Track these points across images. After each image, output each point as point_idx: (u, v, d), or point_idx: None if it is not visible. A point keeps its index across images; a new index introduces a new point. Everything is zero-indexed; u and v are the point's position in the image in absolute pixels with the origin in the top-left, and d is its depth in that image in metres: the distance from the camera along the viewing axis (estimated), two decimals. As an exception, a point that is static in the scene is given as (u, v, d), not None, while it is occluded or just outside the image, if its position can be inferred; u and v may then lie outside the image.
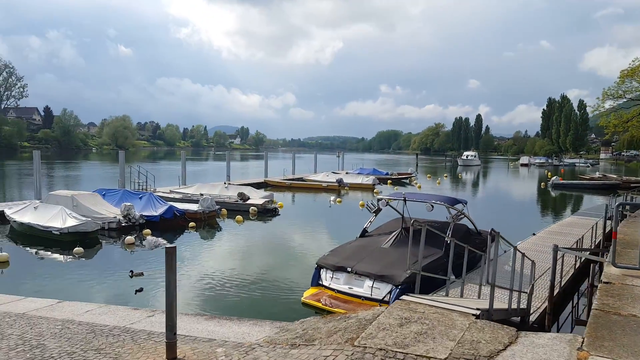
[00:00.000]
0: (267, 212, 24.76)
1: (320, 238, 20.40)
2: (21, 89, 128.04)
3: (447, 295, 7.51)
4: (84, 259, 15.85)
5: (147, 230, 18.95)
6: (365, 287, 10.47)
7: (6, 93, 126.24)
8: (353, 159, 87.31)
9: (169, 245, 18.58)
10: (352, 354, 4.46)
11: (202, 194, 27.29)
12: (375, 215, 13.29)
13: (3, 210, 20.85)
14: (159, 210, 20.65)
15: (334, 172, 46.88)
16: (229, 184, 33.19)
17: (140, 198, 21.61)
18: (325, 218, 26.31)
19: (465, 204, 12.68)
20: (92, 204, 20.12)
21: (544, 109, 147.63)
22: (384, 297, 10.08)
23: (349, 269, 10.81)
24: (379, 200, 12.92)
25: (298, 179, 42.81)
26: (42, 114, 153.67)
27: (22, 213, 19.23)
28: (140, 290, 12.04)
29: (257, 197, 26.34)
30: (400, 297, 5.99)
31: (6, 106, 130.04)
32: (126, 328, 7.16)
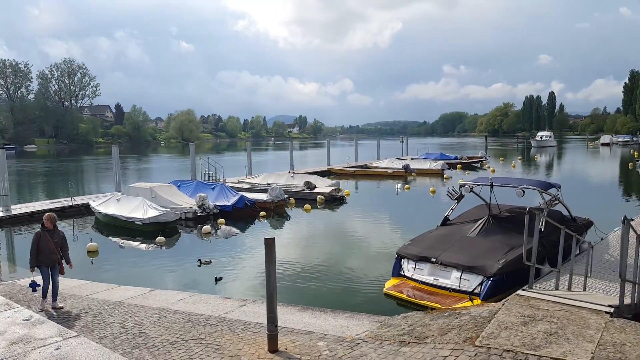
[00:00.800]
0: (334, 201, 24.62)
1: (393, 226, 19.96)
2: (94, 88, 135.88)
3: (556, 288, 6.90)
4: (165, 248, 16.45)
5: (222, 220, 19.40)
6: (452, 279, 9.99)
7: (81, 92, 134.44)
8: (416, 143, 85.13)
9: (239, 232, 19.39)
10: (475, 355, 4.10)
11: (269, 184, 27.62)
12: (458, 202, 12.68)
13: (88, 203, 22.12)
14: (231, 200, 21.08)
15: (398, 158, 45.90)
16: (294, 173, 33.41)
17: (213, 189, 22.16)
18: (394, 206, 25.76)
19: (559, 188, 11.78)
20: (169, 195, 20.87)
21: (625, 83, 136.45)
22: (474, 289, 9.57)
23: (434, 259, 10.36)
24: (461, 186, 12.30)
25: (362, 166, 42.35)
26: (114, 111, 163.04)
27: (106, 205, 20.29)
28: (220, 279, 12.24)
29: (323, 186, 26.26)
30: (517, 292, 5.51)
31: (81, 105, 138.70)
32: (221, 318, 7.21)
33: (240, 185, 27.37)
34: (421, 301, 9.68)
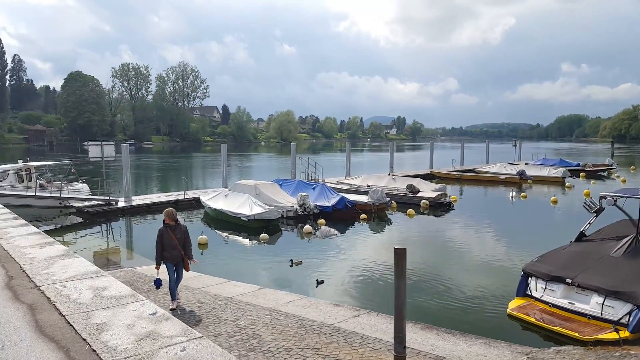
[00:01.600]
0: (439, 206, 23.32)
1: (511, 238, 18.08)
2: (204, 90, 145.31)
3: None
4: (267, 245, 16.57)
5: (322, 220, 19.21)
6: (592, 304, 8.61)
7: (193, 94, 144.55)
8: (530, 148, 78.85)
9: (338, 233, 19.06)
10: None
11: (368, 185, 27.08)
12: (597, 216, 11.06)
13: (199, 197, 23.22)
14: (331, 200, 20.84)
15: (510, 163, 42.60)
16: (395, 175, 32.52)
17: (314, 188, 22.12)
18: (509, 215, 23.72)
19: None
20: (272, 193, 21.18)
21: None
22: (620, 318, 8.14)
23: (569, 280, 9.03)
24: (602, 197, 10.70)
25: (469, 171, 40.04)
26: (221, 111, 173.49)
27: (215, 200, 21.11)
28: (322, 282, 11.88)
29: (427, 190, 25.07)
30: None
31: (192, 105, 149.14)
32: (335, 327, 6.75)
33: (339, 186, 27.13)
34: (553, 327, 8.47)
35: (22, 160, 24.31)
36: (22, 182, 23.20)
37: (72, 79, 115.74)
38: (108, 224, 20.65)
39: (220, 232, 18.52)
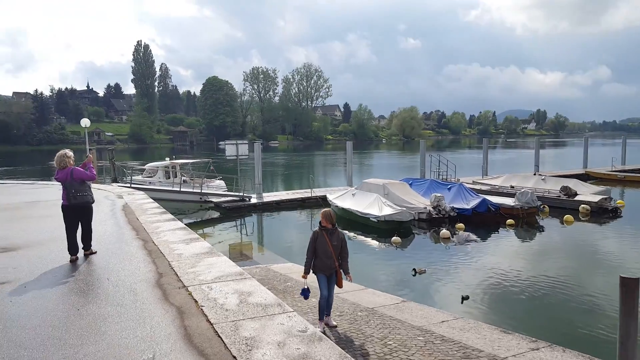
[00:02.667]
0: (603, 212, 20.04)
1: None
2: (327, 89, 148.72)
3: None
4: (399, 249, 15.60)
5: (461, 225, 17.59)
6: None
7: (316, 94, 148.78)
8: None
9: (479, 240, 17.30)
10: None
11: (512, 186, 24.57)
12: None
13: (325, 195, 23.08)
14: (470, 203, 19.09)
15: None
16: (545, 175, 29.21)
17: (449, 189, 20.53)
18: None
19: None
20: (402, 193, 20.12)
21: None
22: None
23: None
24: None
25: (634, 171, 34.38)
26: (342, 110, 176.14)
27: (343, 199, 20.69)
28: (467, 298, 10.53)
29: (587, 193, 21.74)
30: None
31: (315, 105, 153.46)
32: (508, 362, 5.57)
33: (476, 187, 25.03)
34: None
35: (168, 159, 26.53)
36: (169, 178, 25.22)
37: (209, 83, 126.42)
38: (241, 219, 21.43)
39: (348, 233, 17.91)
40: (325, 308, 6.83)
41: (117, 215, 11.54)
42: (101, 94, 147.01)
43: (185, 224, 11.96)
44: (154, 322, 4.60)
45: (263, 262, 14.16)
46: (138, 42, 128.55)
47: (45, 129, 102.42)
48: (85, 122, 22.75)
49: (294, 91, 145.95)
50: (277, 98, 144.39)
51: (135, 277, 6.07)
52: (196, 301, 5.15)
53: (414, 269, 12.45)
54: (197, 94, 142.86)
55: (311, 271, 6.68)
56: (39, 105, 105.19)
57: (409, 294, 10.65)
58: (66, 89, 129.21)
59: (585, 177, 31.21)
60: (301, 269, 11.99)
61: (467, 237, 16.96)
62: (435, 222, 18.65)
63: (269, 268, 12.06)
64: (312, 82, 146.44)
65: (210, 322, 4.58)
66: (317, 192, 24.66)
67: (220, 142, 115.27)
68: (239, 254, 16.16)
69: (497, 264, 13.59)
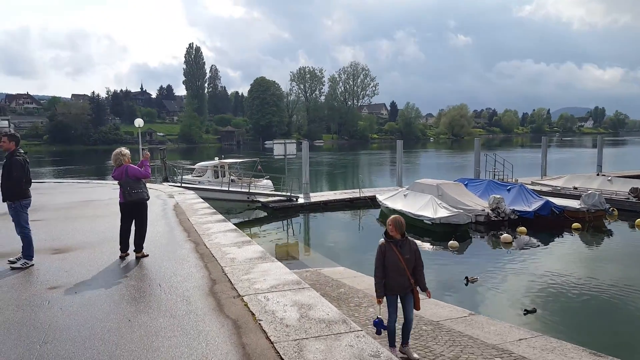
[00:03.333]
0: (679, 217, 18.36)
1: None
2: (374, 88, 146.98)
3: None
4: (456, 253, 14.75)
5: (523, 228, 16.49)
6: None
7: (362, 92, 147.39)
8: None
9: (541, 245, 16.08)
10: None
11: (575, 187, 23.03)
12: None
13: (375, 195, 22.40)
14: (532, 205, 17.89)
15: None
16: (605, 175, 27.35)
17: (509, 190, 19.36)
18: None
19: None
20: (457, 194, 19.14)
21: None
22: None
23: None
24: None
25: None
26: (389, 108, 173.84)
27: (394, 200, 19.96)
28: (533, 311, 9.63)
29: (658, 195, 20.08)
30: None
31: (361, 104, 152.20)
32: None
33: (536, 188, 23.60)
34: None
35: (217, 158, 26.70)
36: (217, 177, 25.34)
37: (257, 84, 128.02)
38: (288, 219, 21.12)
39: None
40: (394, 334, 5.79)
41: (169, 215, 11.41)
42: (154, 95, 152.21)
43: (234, 225, 11.74)
44: (209, 337, 4.19)
45: (312, 265, 13.72)
46: (190, 44, 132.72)
47: (101, 129, 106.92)
48: (138, 122, 23.20)
49: (340, 90, 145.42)
50: (322, 97, 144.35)
51: (188, 284, 5.72)
52: (253, 314, 4.70)
53: (466, 278, 11.63)
54: (245, 94, 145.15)
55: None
56: (95, 106, 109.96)
57: (464, 304, 9.90)
58: (121, 90, 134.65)
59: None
60: (353, 273, 11.57)
61: (529, 241, 15.90)
62: (494, 225, 17.60)
63: (320, 272, 11.59)
64: (359, 80, 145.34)
65: (270, 340, 4.11)
66: (366, 192, 24.04)
67: (266, 142, 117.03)
68: (286, 255, 15.82)
69: (562, 271, 12.56)
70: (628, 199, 20.18)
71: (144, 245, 7.31)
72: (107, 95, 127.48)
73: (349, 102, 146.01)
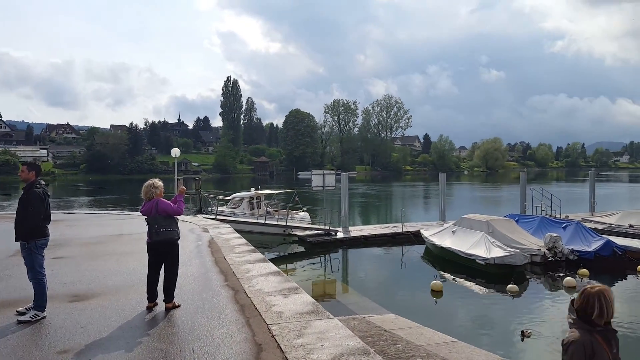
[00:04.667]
0: None
1: None
2: (407, 120, 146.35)
3: None
4: (515, 298, 13.21)
5: (584, 271, 14.87)
6: None
7: (395, 124, 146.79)
8: None
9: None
10: None
11: (631, 225, 21.12)
12: None
13: (419, 231, 21.12)
14: (592, 245, 16.27)
15: None
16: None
17: (564, 228, 17.77)
18: None
19: None
20: (508, 232, 17.64)
21: None
22: None
23: None
24: None
25: None
26: (422, 140, 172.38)
27: (441, 236, 18.64)
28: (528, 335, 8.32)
29: None
30: None
31: (394, 136, 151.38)
32: None
33: (588, 225, 21.80)
34: None
35: (253, 189, 26.09)
36: (253, 209, 24.66)
37: (291, 116, 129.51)
38: (327, 255, 20.04)
39: (452, 277, 15.78)
40: None
41: (203, 253, 10.60)
42: (190, 126, 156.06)
43: (268, 259, 10.81)
44: None
45: (355, 309, 12.56)
46: (228, 77, 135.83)
47: (137, 159, 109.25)
48: (175, 151, 22.98)
49: (373, 122, 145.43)
50: (356, 129, 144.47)
51: (227, 349, 4.75)
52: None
53: (522, 332, 10.12)
54: (280, 125, 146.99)
55: None
56: (132, 136, 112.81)
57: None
58: (159, 121, 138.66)
59: None
60: (408, 323, 10.30)
61: (587, 284, 14.23)
62: (551, 266, 16.02)
63: (369, 321, 10.39)
64: (392, 113, 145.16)
65: None
66: (408, 226, 22.76)
67: (300, 172, 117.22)
68: (324, 295, 14.69)
69: (633, 320, 10.97)
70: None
71: (175, 291, 6.40)
72: (145, 126, 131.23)
73: (382, 134, 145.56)
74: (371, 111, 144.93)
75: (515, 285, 13.42)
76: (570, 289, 13.55)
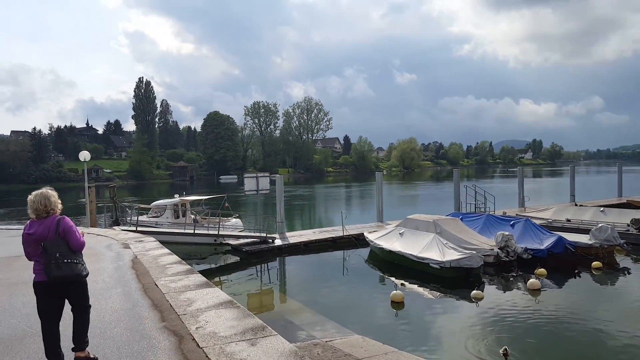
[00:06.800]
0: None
1: None
2: (327, 122, 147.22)
3: None
4: (479, 305, 12.22)
5: (542, 270, 14.32)
6: None
7: (316, 126, 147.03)
8: None
9: (563, 289, 13.77)
10: None
11: (568, 220, 21.59)
12: None
13: (362, 233, 19.97)
14: (544, 242, 15.96)
15: None
16: (581, 205, 26.49)
17: (512, 225, 17.42)
18: None
19: None
20: (456, 232, 16.91)
21: None
22: None
23: None
24: None
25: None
26: (342, 142, 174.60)
27: (388, 239, 17.54)
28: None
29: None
30: None
31: (315, 138, 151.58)
32: None
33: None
34: None
35: (177, 195, 23.45)
36: (178, 217, 22.12)
37: (210, 118, 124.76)
38: (263, 264, 18.20)
39: (409, 285, 14.45)
40: None
41: (127, 277, 8.40)
42: (100, 131, 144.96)
43: (198, 272, 8.90)
44: None
45: (311, 330, 10.97)
46: (139, 79, 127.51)
47: (42, 167, 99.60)
48: (84, 154, 19.79)
49: (294, 124, 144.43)
50: (277, 132, 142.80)
51: None
52: None
53: (505, 349, 8.74)
54: (198, 129, 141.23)
55: None
56: (36, 143, 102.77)
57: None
58: (65, 126, 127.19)
59: (627, 206, 28.18)
60: (379, 347, 8.86)
61: (552, 285, 13.85)
62: (504, 266, 15.46)
63: (333, 346, 8.73)
64: (313, 115, 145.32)
65: None
66: (349, 229, 21.51)
67: (221, 176, 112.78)
68: (271, 313, 12.90)
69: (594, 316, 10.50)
70: (627, 230, 18.80)
71: (90, 337, 4.40)
72: (50, 132, 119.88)
73: (304, 137, 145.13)
74: (292, 113, 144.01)
75: (479, 292, 12.50)
76: (535, 291, 12.90)
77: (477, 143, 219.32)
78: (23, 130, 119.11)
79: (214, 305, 6.33)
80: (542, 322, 10.89)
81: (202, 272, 11.51)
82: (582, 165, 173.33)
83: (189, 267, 9.17)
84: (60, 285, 4.28)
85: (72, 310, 4.51)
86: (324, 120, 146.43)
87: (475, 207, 26.28)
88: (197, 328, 5.36)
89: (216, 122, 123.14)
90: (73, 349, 4.47)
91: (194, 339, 5.02)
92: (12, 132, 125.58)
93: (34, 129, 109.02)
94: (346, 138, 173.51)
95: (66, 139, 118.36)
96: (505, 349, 8.78)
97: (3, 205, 53.43)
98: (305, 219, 36.17)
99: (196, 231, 19.15)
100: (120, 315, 6.07)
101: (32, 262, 4.42)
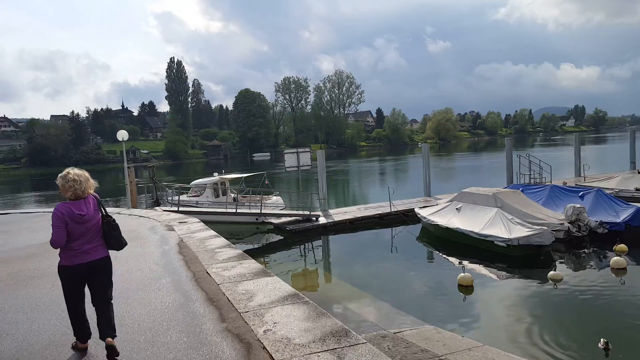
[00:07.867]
0: None
1: None
2: (359, 96, 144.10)
3: None
4: (562, 289, 10.84)
5: (623, 246, 12.79)
6: None
7: (348, 100, 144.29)
8: None
9: (633, 265, 12.38)
10: None
11: (637, 189, 19.69)
12: None
13: (413, 209, 18.78)
14: (620, 215, 14.35)
15: None
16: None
17: (582, 197, 15.79)
18: None
19: None
20: (520, 205, 15.40)
21: None
22: None
23: None
24: None
25: None
26: (374, 115, 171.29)
27: (443, 215, 16.25)
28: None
29: None
30: None
31: (347, 112, 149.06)
32: None
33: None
34: None
35: (217, 174, 22.76)
36: (218, 196, 21.46)
37: (241, 96, 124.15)
38: (310, 243, 17.29)
39: (471, 265, 13.19)
40: None
41: (174, 264, 7.57)
42: (135, 112, 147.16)
43: (242, 252, 8.03)
44: None
45: (374, 319, 9.96)
46: (171, 59, 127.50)
47: (82, 150, 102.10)
48: (122, 134, 19.18)
49: (326, 99, 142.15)
50: (309, 107, 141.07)
51: None
52: None
53: (605, 343, 7.51)
54: (230, 107, 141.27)
55: None
56: (75, 126, 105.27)
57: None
58: (101, 109, 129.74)
59: None
60: (461, 340, 7.78)
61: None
62: (576, 243, 14.01)
63: (404, 339, 7.73)
64: (344, 89, 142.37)
65: None
66: (396, 205, 20.33)
67: (254, 154, 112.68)
68: (327, 300, 11.87)
69: None
70: None
71: (142, 344, 3.68)
72: (87, 115, 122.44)
73: (336, 111, 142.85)
74: (323, 88, 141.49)
75: (558, 272, 11.14)
76: (619, 271, 11.47)
77: (516, 111, 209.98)
78: (62, 114, 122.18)
79: (278, 299, 5.36)
80: (638, 307, 9.55)
81: (247, 252, 10.72)
82: (628, 130, 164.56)
83: (240, 251, 8.27)
84: (92, 267, 4.15)
85: (94, 300, 4.26)
86: (356, 94, 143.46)
87: (530, 178, 24.59)
88: (265, 332, 4.40)
89: (247, 99, 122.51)
90: (100, 338, 4.05)
91: (264, 347, 4.06)
92: (52, 116, 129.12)
93: (72, 112, 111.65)
94: (379, 111, 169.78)
95: (103, 121, 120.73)
96: (606, 343, 7.54)
97: (44, 189, 54.71)
98: (348, 195, 35.11)
99: (238, 210, 18.39)
100: (172, 312, 5.19)
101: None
